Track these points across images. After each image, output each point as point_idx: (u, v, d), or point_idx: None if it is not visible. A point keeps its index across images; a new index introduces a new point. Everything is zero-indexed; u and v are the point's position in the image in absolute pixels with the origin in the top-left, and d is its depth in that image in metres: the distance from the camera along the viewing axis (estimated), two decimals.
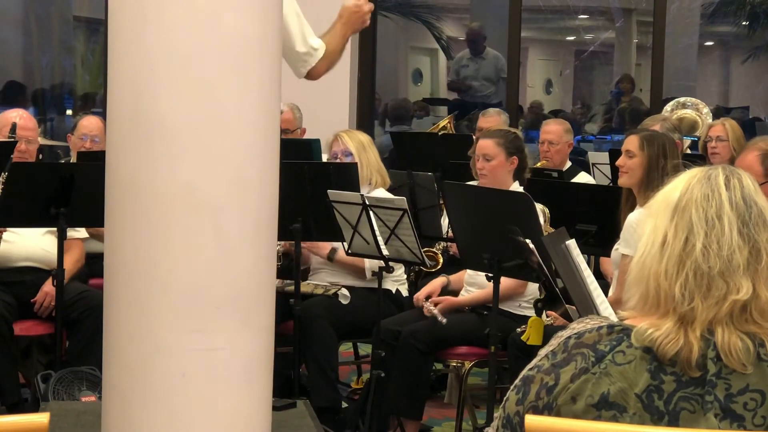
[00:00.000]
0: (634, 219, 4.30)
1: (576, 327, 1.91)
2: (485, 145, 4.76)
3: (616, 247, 4.35)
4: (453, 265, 5.32)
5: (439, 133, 7.40)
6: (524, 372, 1.92)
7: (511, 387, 1.93)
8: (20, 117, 5.13)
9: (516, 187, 4.72)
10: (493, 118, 6.81)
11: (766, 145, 4.56)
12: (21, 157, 4.83)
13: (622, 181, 4.48)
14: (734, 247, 1.84)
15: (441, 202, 5.36)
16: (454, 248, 5.32)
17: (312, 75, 4.41)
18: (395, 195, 4.83)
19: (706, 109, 7.29)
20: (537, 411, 1.86)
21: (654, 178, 4.33)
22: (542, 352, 1.92)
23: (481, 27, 10.91)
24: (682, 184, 1.91)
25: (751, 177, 1.93)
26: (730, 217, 1.85)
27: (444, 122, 7.58)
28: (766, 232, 1.86)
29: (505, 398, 1.93)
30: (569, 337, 1.89)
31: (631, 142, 4.48)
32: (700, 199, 1.87)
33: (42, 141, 5.59)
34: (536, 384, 1.88)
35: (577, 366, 1.85)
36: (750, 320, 1.83)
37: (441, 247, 5.52)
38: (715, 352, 1.82)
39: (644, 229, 1.93)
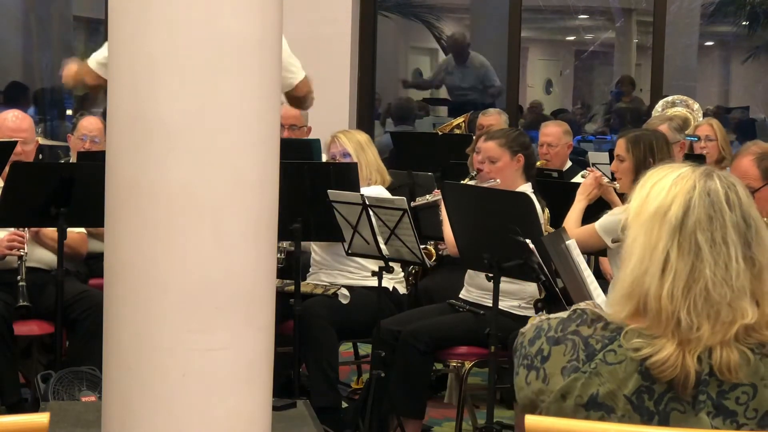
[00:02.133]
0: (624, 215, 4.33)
1: (588, 304, 1.93)
2: (488, 148, 4.71)
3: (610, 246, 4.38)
4: (449, 264, 5.32)
5: (440, 133, 7.40)
6: (545, 320, 1.94)
7: (537, 321, 1.96)
8: (15, 117, 5.12)
9: (527, 188, 4.68)
10: (493, 117, 6.81)
11: (759, 148, 4.60)
12: (18, 159, 4.82)
13: (620, 186, 4.51)
14: (741, 273, 1.83)
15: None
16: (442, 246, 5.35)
17: (297, 91, 4.54)
18: (395, 195, 4.83)
19: (696, 106, 7.29)
20: (532, 364, 1.90)
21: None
22: (563, 314, 1.94)
23: (466, 31, 10.87)
24: (680, 198, 1.86)
25: (743, 185, 1.91)
26: (734, 241, 1.83)
27: (458, 120, 7.56)
28: (766, 249, 1.86)
29: (534, 324, 1.97)
30: (575, 311, 1.91)
31: (619, 146, 4.50)
32: (705, 220, 1.84)
33: (42, 141, 5.59)
34: (539, 344, 1.91)
35: (566, 352, 1.86)
36: (754, 336, 1.83)
37: (432, 245, 5.53)
38: (708, 357, 1.82)
39: (633, 238, 1.89)
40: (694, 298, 1.81)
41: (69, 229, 4.70)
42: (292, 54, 4.68)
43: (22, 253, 4.64)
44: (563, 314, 1.93)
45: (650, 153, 4.40)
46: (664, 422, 1.81)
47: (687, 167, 1.92)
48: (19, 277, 4.59)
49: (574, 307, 1.93)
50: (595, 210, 4.65)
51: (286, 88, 4.63)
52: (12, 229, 4.72)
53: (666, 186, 1.89)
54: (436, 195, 5.00)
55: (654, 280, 1.83)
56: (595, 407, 1.83)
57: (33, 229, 4.77)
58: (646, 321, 1.84)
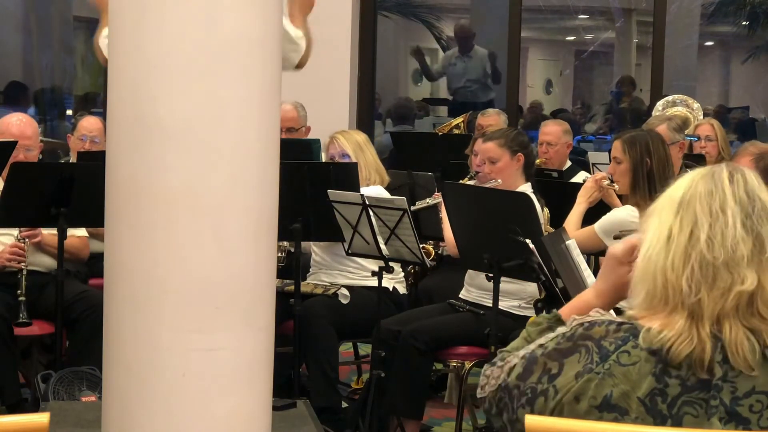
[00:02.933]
0: (623, 215, 4.35)
1: (592, 314, 1.92)
2: (488, 148, 4.72)
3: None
4: (449, 264, 5.32)
5: (440, 133, 7.40)
6: (534, 347, 1.93)
7: (521, 354, 1.94)
8: (20, 122, 5.10)
9: (527, 188, 4.69)
10: (492, 118, 6.81)
11: (756, 149, 4.61)
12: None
13: (619, 189, 4.51)
14: (738, 239, 1.84)
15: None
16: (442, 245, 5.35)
17: (300, 63, 4.52)
18: (395, 195, 4.83)
19: (696, 105, 7.30)
20: (535, 393, 1.88)
21: (640, 178, 4.36)
22: (560, 330, 1.93)
23: (470, 24, 10.85)
24: (685, 181, 1.92)
25: (755, 174, 1.93)
26: (733, 209, 1.86)
27: (457, 120, 7.56)
28: None
29: (512, 364, 1.94)
30: (581, 324, 1.90)
31: (616, 148, 4.51)
32: (704, 194, 1.88)
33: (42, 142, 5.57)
34: (539, 367, 1.89)
35: (580, 359, 1.85)
36: (756, 314, 1.83)
37: (431, 244, 5.53)
38: (722, 354, 1.81)
39: (647, 227, 1.92)
40: (692, 264, 1.84)
41: (70, 234, 4.71)
42: (293, 33, 4.64)
43: (22, 266, 4.64)
44: (561, 330, 1.93)
45: (647, 153, 4.41)
46: (676, 426, 1.81)
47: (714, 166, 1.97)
48: (18, 291, 4.59)
49: (577, 320, 1.92)
50: (595, 212, 4.65)
51: (289, 67, 4.62)
52: (14, 238, 4.72)
53: (686, 179, 1.94)
54: (436, 198, 5.00)
55: (660, 256, 1.86)
56: (608, 409, 1.82)
57: (34, 240, 4.76)
58: (658, 306, 1.85)
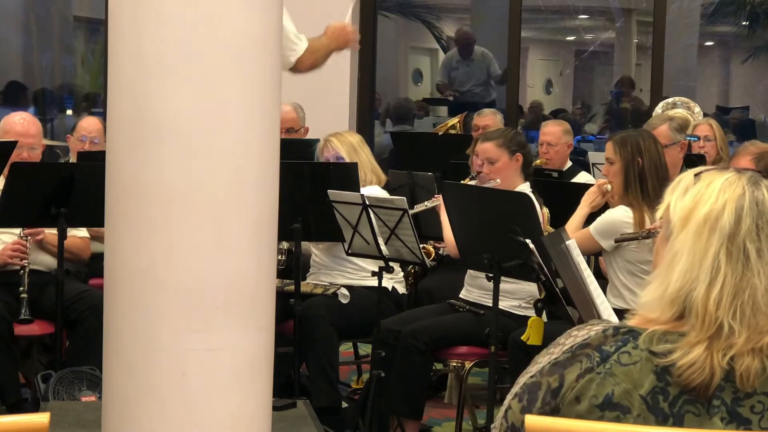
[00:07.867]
0: (617, 216, 4.35)
1: (578, 335, 1.90)
2: (486, 149, 4.72)
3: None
4: (449, 264, 5.32)
5: (440, 133, 7.40)
6: (524, 380, 1.90)
7: (511, 395, 1.91)
8: (23, 121, 5.09)
9: (526, 187, 4.69)
10: (488, 118, 6.82)
11: (756, 148, 4.61)
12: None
13: (613, 189, 4.51)
14: None
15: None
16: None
17: (298, 67, 4.49)
18: (395, 195, 4.83)
19: (697, 108, 7.29)
20: (545, 416, 1.85)
21: (631, 178, 4.36)
22: (542, 360, 1.90)
23: (471, 29, 10.91)
24: (731, 204, 1.86)
25: None
26: None
27: (453, 121, 7.56)
28: None
29: (506, 407, 1.91)
30: (573, 346, 1.88)
31: (608, 149, 4.51)
32: (754, 230, 1.84)
33: (44, 141, 5.57)
34: (543, 390, 1.87)
35: (582, 366, 1.85)
36: None
37: (431, 244, 5.53)
38: (728, 377, 1.81)
39: (681, 243, 1.87)
40: (742, 305, 1.81)
41: (71, 234, 4.70)
42: (293, 32, 4.62)
43: (24, 263, 4.64)
44: (554, 352, 1.90)
45: (638, 153, 4.41)
46: (678, 424, 1.80)
47: (732, 173, 1.91)
48: (21, 288, 4.59)
49: (570, 344, 1.90)
50: (596, 216, 4.65)
51: (285, 66, 4.60)
52: (17, 236, 4.72)
53: (714, 190, 1.88)
54: (435, 201, 5.00)
55: (702, 287, 1.83)
56: (610, 407, 1.82)
57: (37, 237, 4.76)
58: (685, 325, 1.83)
